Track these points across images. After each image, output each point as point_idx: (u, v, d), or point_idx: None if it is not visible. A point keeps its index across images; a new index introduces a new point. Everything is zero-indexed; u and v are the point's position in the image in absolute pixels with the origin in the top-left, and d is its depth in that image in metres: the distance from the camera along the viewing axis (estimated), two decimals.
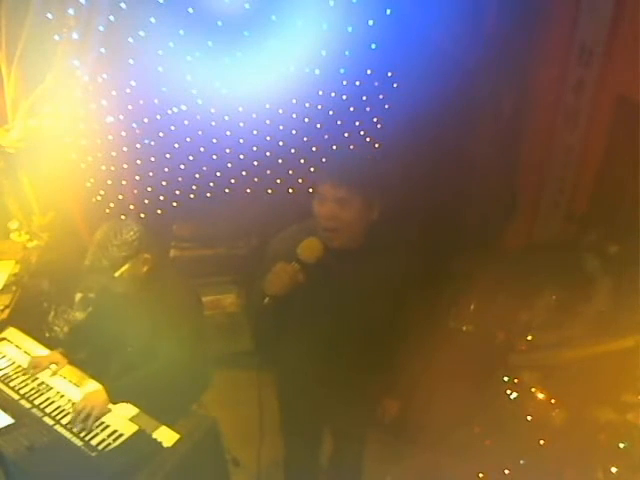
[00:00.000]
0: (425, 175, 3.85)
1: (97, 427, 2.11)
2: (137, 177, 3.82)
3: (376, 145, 4.00)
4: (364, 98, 3.86)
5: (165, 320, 2.27)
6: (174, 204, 3.94)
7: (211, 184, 3.93)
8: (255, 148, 3.88)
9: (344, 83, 3.77)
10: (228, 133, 3.80)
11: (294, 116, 3.81)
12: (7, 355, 2.49)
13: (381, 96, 3.86)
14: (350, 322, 2.00)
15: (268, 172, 3.97)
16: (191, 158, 3.83)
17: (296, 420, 2.44)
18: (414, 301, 2.13)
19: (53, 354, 2.46)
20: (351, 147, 3.73)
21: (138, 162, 3.78)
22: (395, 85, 3.83)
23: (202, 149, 3.82)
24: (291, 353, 2.17)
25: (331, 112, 3.85)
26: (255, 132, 3.82)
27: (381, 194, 1.96)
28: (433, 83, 3.48)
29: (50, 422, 2.13)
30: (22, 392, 2.27)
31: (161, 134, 3.73)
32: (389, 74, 3.81)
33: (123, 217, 3.73)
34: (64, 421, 2.13)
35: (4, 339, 2.59)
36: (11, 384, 2.31)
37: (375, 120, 3.93)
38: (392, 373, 2.24)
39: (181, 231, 4.03)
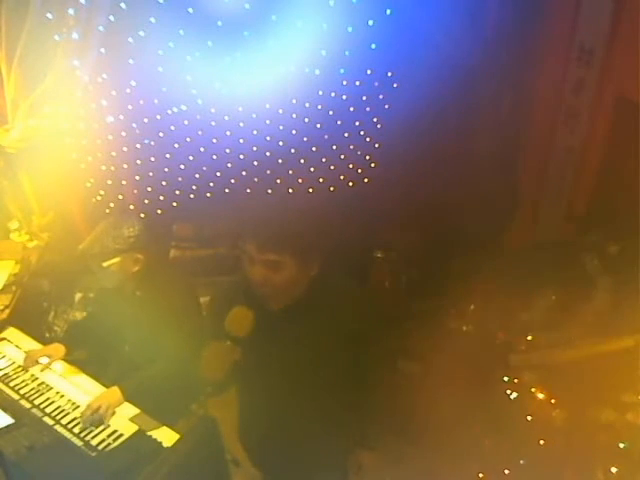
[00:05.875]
0: (425, 175, 3.85)
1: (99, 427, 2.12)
2: (137, 177, 3.81)
3: (376, 145, 4.00)
4: (364, 98, 3.85)
5: (162, 321, 2.28)
6: (174, 204, 3.94)
7: (211, 184, 3.93)
8: (255, 148, 3.87)
9: (344, 83, 3.77)
10: (228, 133, 3.79)
11: (294, 116, 3.81)
12: (7, 355, 2.49)
13: (381, 96, 3.86)
14: (302, 380, 1.84)
15: (268, 172, 3.97)
16: (191, 158, 3.83)
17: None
18: (371, 349, 1.93)
19: (48, 347, 2.48)
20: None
21: (138, 162, 3.78)
22: (395, 85, 3.83)
23: (202, 149, 3.81)
24: (247, 410, 2.08)
25: (331, 112, 3.85)
26: (255, 132, 3.82)
27: (320, 247, 1.76)
28: (433, 83, 3.48)
29: (50, 422, 2.13)
30: (22, 392, 2.27)
31: (161, 134, 3.73)
32: (389, 74, 3.80)
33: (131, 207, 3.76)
34: (64, 421, 2.14)
35: (4, 339, 2.59)
36: (11, 384, 2.31)
37: (375, 120, 3.93)
38: (359, 423, 2.05)
39: (181, 231, 4.03)
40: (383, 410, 2.22)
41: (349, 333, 1.83)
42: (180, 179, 3.88)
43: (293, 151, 3.91)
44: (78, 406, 2.21)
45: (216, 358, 1.68)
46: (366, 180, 4.08)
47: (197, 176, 3.89)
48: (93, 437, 2.07)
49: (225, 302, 1.84)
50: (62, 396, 2.26)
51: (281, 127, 3.82)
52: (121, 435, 2.09)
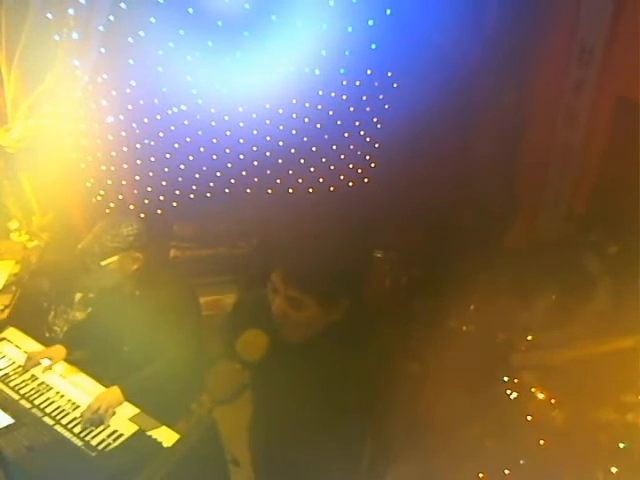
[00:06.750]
0: (425, 175, 3.85)
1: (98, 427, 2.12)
2: (137, 177, 3.82)
3: (376, 145, 4.00)
4: (364, 98, 3.86)
5: (161, 321, 2.28)
6: (174, 204, 3.94)
7: (211, 184, 3.94)
8: (255, 148, 3.88)
9: (344, 83, 3.78)
10: (228, 133, 3.80)
11: (294, 116, 3.82)
12: (7, 355, 2.49)
13: (381, 96, 3.87)
14: (310, 408, 1.73)
15: (268, 172, 3.97)
16: (191, 158, 3.83)
17: None
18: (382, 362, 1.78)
19: (49, 349, 2.47)
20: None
21: (138, 162, 3.78)
22: (395, 85, 3.83)
23: (202, 149, 3.82)
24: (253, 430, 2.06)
25: (331, 112, 3.86)
26: (255, 132, 3.82)
27: (349, 291, 1.61)
28: (433, 83, 3.49)
29: (50, 422, 2.13)
30: (22, 392, 2.27)
31: (161, 134, 3.73)
32: (389, 74, 3.81)
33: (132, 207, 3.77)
34: (64, 421, 2.13)
35: (4, 339, 2.59)
36: (11, 384, 2.31)
37: (375, 120, 3.94)
38: (367, 459, 1.96)
39: (182, 231, 4.03)
40: (390, 415, 2.20)
41: (366, 370, 1.71)
42: (180, 179, 3.89)
43: (293, 151, 3.92)
44: (78, 406, 2.21)
45: (223, 380, 1.61)
46: (366, 180, 4.08)
47: (197, 176, 3.90)
48: (93, 437, 2.07)
49: (246, 317, 1.77)
50: (62, 396, 2.26)
51: (281, 127, 3.83)
52: (121, 435, 2.09)
